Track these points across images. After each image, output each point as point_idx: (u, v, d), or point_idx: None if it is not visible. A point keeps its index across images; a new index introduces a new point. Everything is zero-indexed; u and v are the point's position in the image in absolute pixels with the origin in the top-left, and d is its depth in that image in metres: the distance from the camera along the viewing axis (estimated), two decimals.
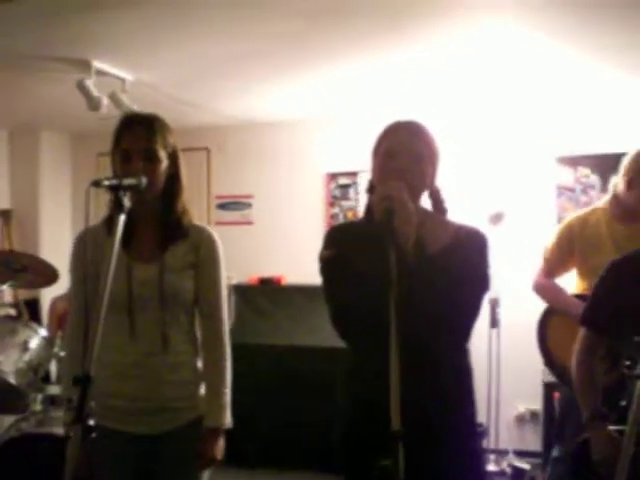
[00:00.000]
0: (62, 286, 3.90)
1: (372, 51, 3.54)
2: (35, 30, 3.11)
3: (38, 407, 3.40)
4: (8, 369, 3.32)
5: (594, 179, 4.68)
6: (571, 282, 3.03)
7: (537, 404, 4.53)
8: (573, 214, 3.13)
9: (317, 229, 5.01)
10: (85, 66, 3.61)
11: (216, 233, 2.13)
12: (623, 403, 2.00)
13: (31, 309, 5.04)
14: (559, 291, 3.01)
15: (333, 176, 5.29)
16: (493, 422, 4.61)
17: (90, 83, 3.65)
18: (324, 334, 3.74)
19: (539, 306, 3.04)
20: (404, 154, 1.75)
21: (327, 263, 1.82)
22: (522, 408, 4.81)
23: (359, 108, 4.94)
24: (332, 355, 3.80)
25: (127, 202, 1.65)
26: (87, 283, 1.89)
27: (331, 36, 3.29)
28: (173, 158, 2.02)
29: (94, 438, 1.45)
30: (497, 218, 4.47)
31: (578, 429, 2.30)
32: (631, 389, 1.79)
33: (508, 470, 4.48)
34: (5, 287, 3.65)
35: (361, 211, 1.95)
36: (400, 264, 1.53)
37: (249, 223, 5.50)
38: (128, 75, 3.86)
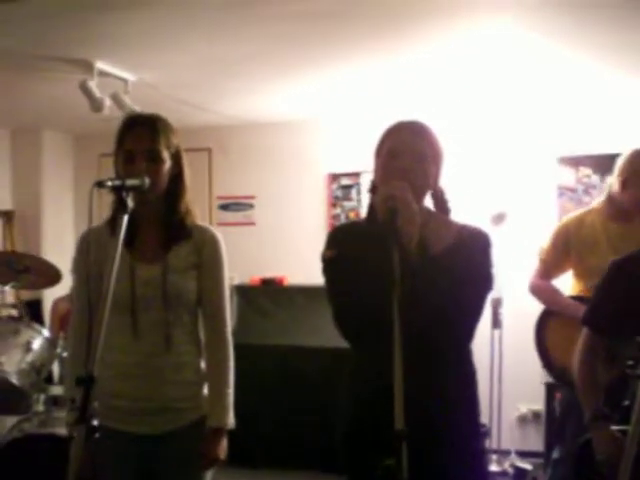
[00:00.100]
0: (64, 287, 3.91)
1: (373, 52, 3.54)
2: (38, 31, 3.12)
3: (40, 408, 3.40)
4: (11, 370, 3.33)
5: (595, 179, 4.68)
6: (567, 283, 3.03)
7: (539, 404, 4.52)
8: (568, 215, 3.13)
9: (319, 230, 5.02)
10: (88, 67, 3.61)
11: (219, 233, 2.13)
12: (626, 403, 1.99)
13: (33, 310, 5.04)
14: (555, 292, 3.00)
15: (335, 177, 5.29)
16: (495, 422, 4.61)
17: (92, 84, 3.65)
18: (326, 334, 3.74)
19: (541, 307, 3.04)
20: (407, 154, 1.74)
21: (330, 263, 1.82)
22: (524, 408, 4.81)
23: (361, 109, 4.94)
24: (334, 355, 3.81)
25: (130, 203, 1.65)
26: (90, 283, 1.89)
27: (333, 37, 3.29)
28: (176, 158, 2.02)
29: (97, 438, 1.45)
30: (499, 218, 4.47)
31: (578, 430, 2.30)
32: (634, 389, 1.79)
33: (510, 470, 4.48)
34: (7, 288, 3.66)
35: (363, 212, 1.95)
36: (403, 264, 1.53)
37: (251, 224, 5.50)
38: (130, 76, 3.87)
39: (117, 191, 1.66)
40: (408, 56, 3.62)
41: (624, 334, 2.08)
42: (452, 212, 1.86)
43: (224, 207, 5.59)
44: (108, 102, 3.76)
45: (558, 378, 2.98)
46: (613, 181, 2.85)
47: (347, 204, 5.27)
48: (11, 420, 3.41)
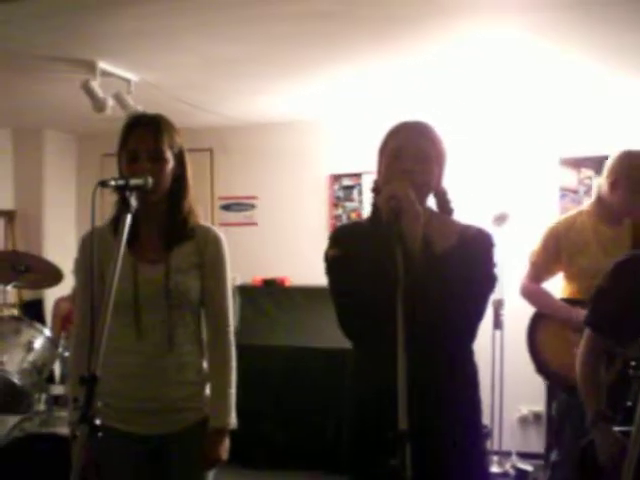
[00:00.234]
0: (66, 287, 3.93)
1: (376, 53, 3.55)
2: (40, 30, 3.12)
3: (42, 407, 3.39)
4: (12, 369, 3.33)
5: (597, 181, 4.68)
6: (558, 286, 3.02)
7: (540, 406, 4.52)
8: (558, 217, 3.12)
9: (321, 230, 5.02)
10: (90, 67, 3.62)
11: (222, 233, 2.13)
12: (629, 404, 1.99)
13: (35, 310, 5.05)
14: (546, 295, 2.99)
15: (337, 177, 5.29)
16: (496, 424, 4.61)
17: (95, 84, 3.65)
18: (328, 335, 3.73)
19: None
20: (411, 154, 1.74)
21: (333, 262, 1.82)
22: (525, 410, 4.81)
23: (363, 110, 4.94)
24: (337, 356, 3.82)
25: (134, 202, 1.65)
26: (93, 283, 1.89)
27: (335, 38, 3.30)
28: (180, 158, 2.02)
29: (99, 439, 1.45)
30: (501, 219, 4.47)
31: (577, 432, 2.30)
32: (636, 390, 1.79)
33: (511, 472, 4.48)
34: (9, 288, 3.66)
35: (365, 212, 1.95)
36: (406, 264, 1.53)
37: (253, 224, 5.50)
38: (133, 76, 3.87)
39: (120, 191, 1.66)
40: (410, 57, 3.63)
41: (626, 335, 2.08)
42: (455, 212, 1.86)
43: (226, 207, 5.59)
44: (111, 102, 3.76)
45: (551, 380, 2.97)
46: (602, 182, 2.84)
47: (349, 205, 5.26)
48: (12, 419, 3.41)
